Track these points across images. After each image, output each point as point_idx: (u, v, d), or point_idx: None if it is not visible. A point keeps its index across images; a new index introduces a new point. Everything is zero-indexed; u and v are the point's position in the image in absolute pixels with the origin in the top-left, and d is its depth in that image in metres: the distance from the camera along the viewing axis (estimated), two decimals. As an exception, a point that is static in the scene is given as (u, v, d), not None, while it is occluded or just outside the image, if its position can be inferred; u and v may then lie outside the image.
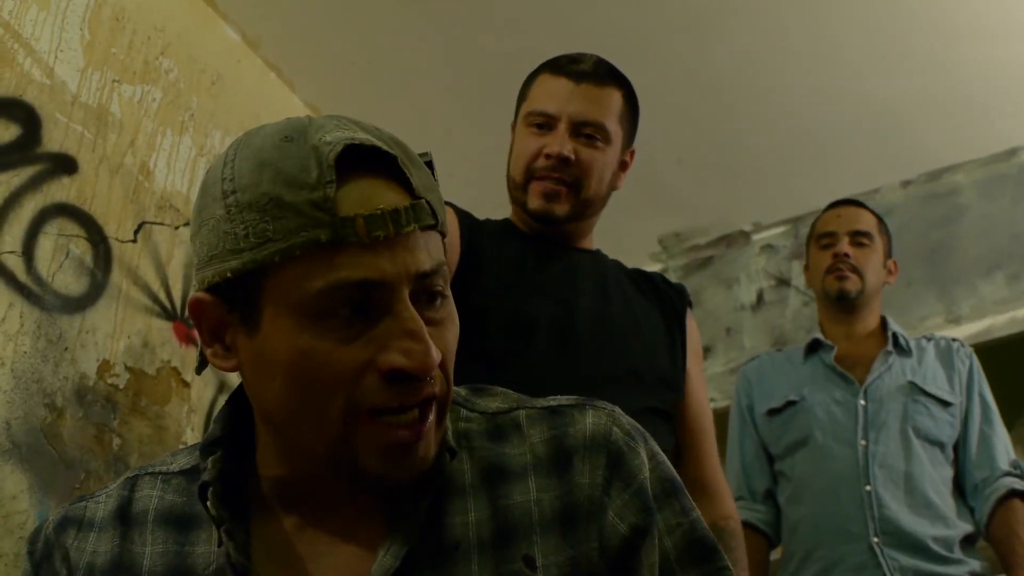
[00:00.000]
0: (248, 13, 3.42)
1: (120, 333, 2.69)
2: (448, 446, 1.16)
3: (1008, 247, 4.10)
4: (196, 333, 1.15)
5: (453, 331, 1.13)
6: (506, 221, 2.37)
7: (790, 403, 3.11)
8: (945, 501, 2.92)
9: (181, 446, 2.78)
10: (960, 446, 3.03)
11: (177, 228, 2.97)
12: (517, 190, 2.27)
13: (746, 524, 3.03)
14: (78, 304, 2.59)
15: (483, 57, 3.61)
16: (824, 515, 2.92)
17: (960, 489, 3.02)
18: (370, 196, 1.06)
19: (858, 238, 3.18)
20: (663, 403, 2.21)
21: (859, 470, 2.91)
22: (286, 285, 1.04)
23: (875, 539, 2.83)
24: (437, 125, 3.85)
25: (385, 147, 1.09)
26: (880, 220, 3.28)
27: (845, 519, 2.89)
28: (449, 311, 1.13)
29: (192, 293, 1.10)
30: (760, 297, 4.51)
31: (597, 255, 2.38)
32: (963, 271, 4.15)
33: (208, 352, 1.13)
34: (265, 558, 1.14)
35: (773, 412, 3.14)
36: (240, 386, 1.21)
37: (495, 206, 4.33)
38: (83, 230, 2.65)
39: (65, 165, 2.64)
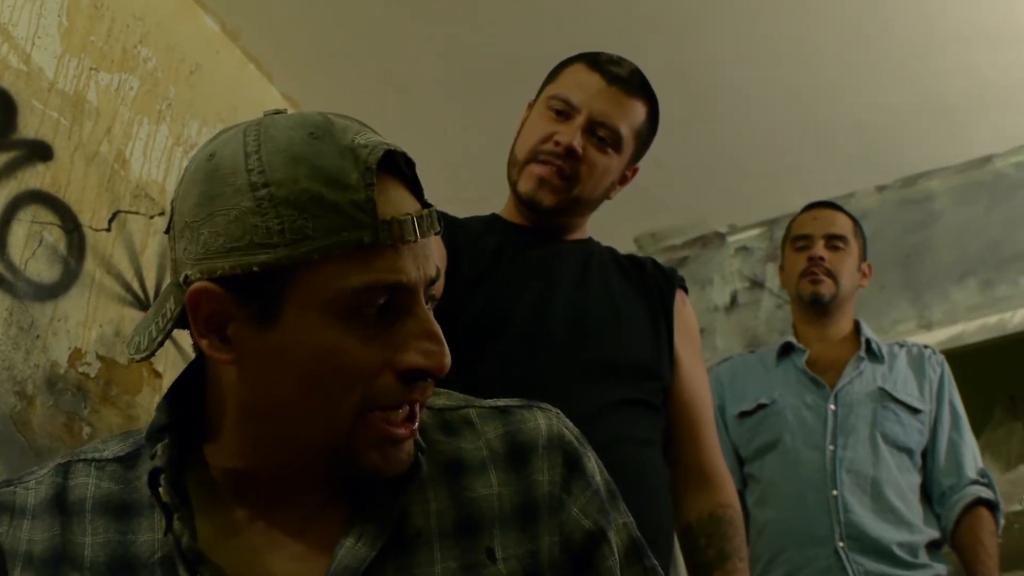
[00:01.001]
0: (228, 3, 3.41)
1: (92, 322, 2.68)
2: (416, 441, 1.17)
3: (981, 254, 4.12)
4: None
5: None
6: (492, 216, 2.36)
7: (761, 406, 3.12)
8: (911, 507, 2.94)
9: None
10: (928, 453, 3.05)
11: (152, 217, 2.96)
12: (515, 168, 2.25)
13: None
14: (51, 292, 2.58)
15: (462, 51, 3.61)
16: (791, 519, 2.94)
17: (927, 496, 3.03)
18: (397, 202, 1.09)
19: (833, 241, 3.19)
20: (642, 393, 2.17)
21: (826, 475, 2.93)
22: (319, 283, 1.05)
23: (840, 543, 2.85)
24: (415, 119, 3.85)
25: (404, 152, 1.13)
26: (856, 223, 3.29)
27: (811, 523, 2.90)
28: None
29: (195, 282, 1.08)
30: (734, 299, 4.53)
31: (585, 244, 2.35)
32: (936, 277, 4.18)
33: (203, 343, 1.12)
34: (214, 547, 1.13)
35: (744, 415, 3.15)
36: (183, 375, 1.21)
37: (473, 201, 4.33)
38: (57, 218, 2.64)
39: (40, 152, 2.62)
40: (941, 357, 3.21)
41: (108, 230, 2.79)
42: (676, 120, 3.97)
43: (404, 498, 1.15)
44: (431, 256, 1.13)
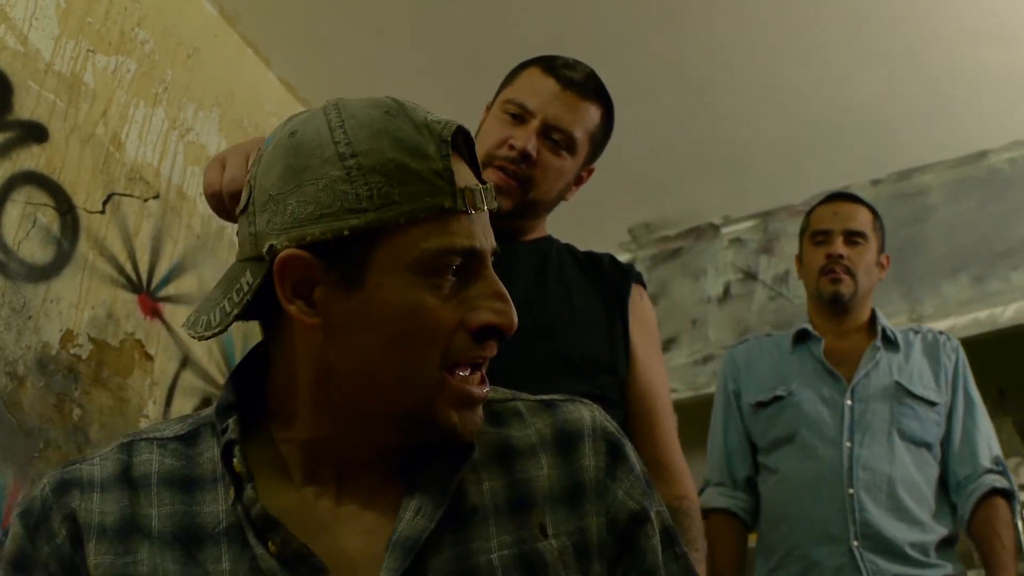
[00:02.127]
0: (226, -13, 3.42)
1: (84, 304, 2.69)
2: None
3: (974, 249, 4.13)
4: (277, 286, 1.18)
5: None
6: None
7: (777, 398, 3.11)
8: (924, 505, 2.93)
9: (142, 419, 2.78)
10: (945, 442, 3.03)
11: (146, 200, 2.96)
12: None
13: (726, 511, 3.10)
14: (43, 273, 2.59)
15: (459, 38, 3.62)
16: (806, 516, 2.94)
17: (944, 485, 3.03)
18: (465, 175, 1.19)
19: (853, 238, 3.15)
20: (597, 387, 2.19)
21: (843, 472, 2.92)
22: (403, 245, 1.14)
23: (855, 543, 2.85)
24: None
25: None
26: (875, 215, 3.24)
27: (827, 521, 2.90)
28: None
29: (282, 250, 1.15)
30: (727, 290, 4.54)
31: (543, 242, 2.37)
32: (928, 271, 4.19)
33: (292, 308, 1.17)
34: (281, 519, 1.17)
35: (760, 405, 3.14)
36: (246, 358, 1.28)
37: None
38: (51, 199, 2.64)
39: (35, 133, 2.63)
40: (956, 343, 3.19)
41: (102, 212, 2.80)
42: (672, 112, 3.99)
43: (459, 475, 1.20)
44: (489, 227, 1.22)
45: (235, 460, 1.18)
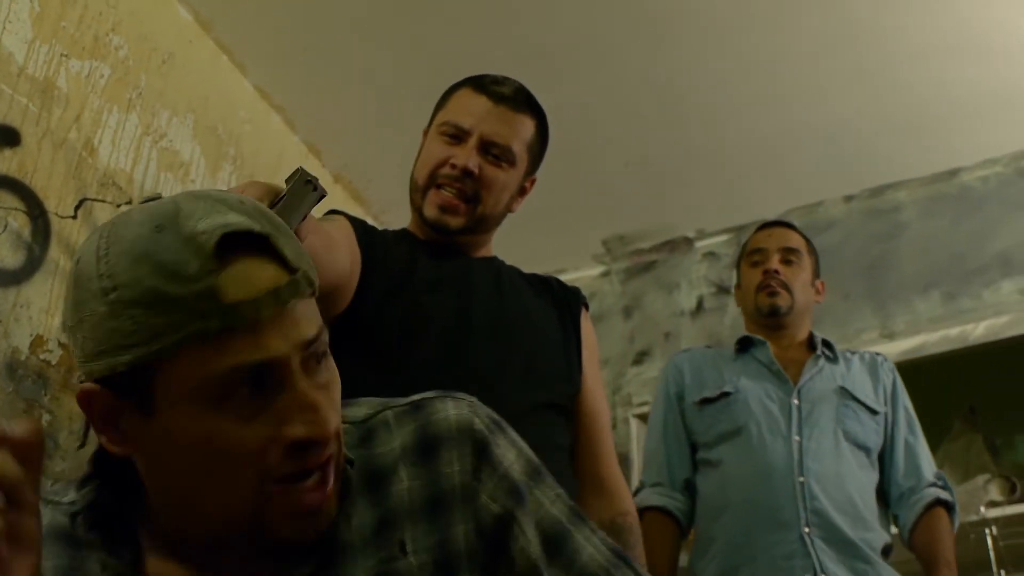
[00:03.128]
0: (202, -6, 3.41)
1: (55, 309, 2.67)
2: (347, 458, 1.21)
3: (945, 266, 4.15)
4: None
5: (338, 388, 1.18)
6: (402, 230, 2.43)
7: (724, 394, 3.14)
8: (869, 505, 2.98)
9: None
10: (886, 455, 3.09)
11: (119, 206, 2.95)
12: (417, 193, 2.34)
13: (663, 509, 3.10)
14: (13, 278, 2.57)
15: (434, 46, 3.62)
16: (756, 502, 2.95)
17: (884, 497, 3.07)
18: (250, 277, 1.09)
19: (788, 255, 3.26)
20: (559, 398, 2.28)
21: (793, 462, 2.95)
22: (181, 374, 1.07)
23: (806, 529, 2.87)
24: (386, 113, 3.85)
25: (258, 227, 1.11)
26: (808, 241, 3.36)
27: (777, 508, 2.92)
28: (331, 367, 1.18)
29: (80, 385, 1.13)
30: (700, 304, 4.55)
31: (492, 260, 2.45)
32: (900, 287, 4.21)
33: (102, 439, 1.15)
34: None
35: (706, 401, 3.16)
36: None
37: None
38: (23, 204, 2.63)
39: (8, 137, 2.62)
40: (892, 364, 3.28)
41: (74, 217, 2.78)
42: (647, 125, 4.00)
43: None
44: (303, 319, 1.12)
45: (86, 528, 1.18)
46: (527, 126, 2.36)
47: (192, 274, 1.06)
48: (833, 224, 4.19)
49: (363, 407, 1.30)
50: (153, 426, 1.10)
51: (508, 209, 2.40)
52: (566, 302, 2.45)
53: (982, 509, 3.74)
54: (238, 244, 1.09)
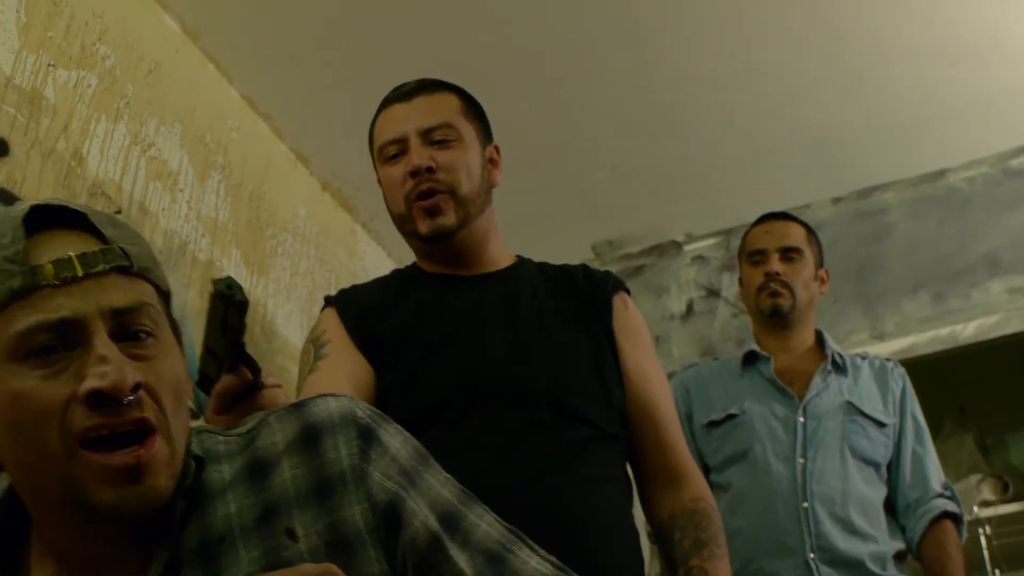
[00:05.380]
0: (188, 2, 3.40)
1: (45, 320, 2.66)
2: (194, 455, 1.23)
3: (933, 267, 4.17)
4: None
5: (167, 365, 1.20)
6: (407, 271, 2.37)
7: (730, 416, 3.12)
8: (875, 521, 2.95)
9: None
10: (893, 466, 3.07)
11: (108, 216, 2.94)
12: (404, 223, 2.26)
13: None
14: (3, 289, 2.56)
15: (421, 55, 3.61)
16: (762, 528, 2.94)
17: (892, 508, 3.06)
18: (60, 246, 1.16)
19: (788, 254, 3.20)
20: (597, 428, 2.15)
21: (797, 487, 2.94)
22: None
23: (811, 555, 2.86)
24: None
25: (73, 207, 1.20)
26: (809, 231, 3.28)
27: (782, 533, 2.91)
28: (162, 349, 1.21)
29: None
30: (690, 307, 4.55)
31: (509, 272, 2.34)
32: (889, 289, 4.22)
33: None
34: None
35: (712, 424, 3.14)
36: None
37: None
38: (11, 214, 2.62)
39: (-4, 148, 2.61)
40: (902, 370, 3.22)
41: (63, 228, 2.77)
42: (635, 129, 4.00)
43: (200, 513, 1.20)
44: (114, 289, 1.17)
45: None
46: (449, 100, 2.31)
47: (5, 243, 1.14)
48: (821, 226, 4.18)
49: (250, 421, 1.32)
50: None
51: (488, 184, 2.31)
52: (592, 301, 2.30)
53: (975, 509, 3.74)
54: (55, 220, 1.19)
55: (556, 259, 2.46)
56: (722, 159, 4.16)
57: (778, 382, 3.12)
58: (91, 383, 1.11)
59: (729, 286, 4.45)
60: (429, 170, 2.19)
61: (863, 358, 3.25)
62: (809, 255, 3.24)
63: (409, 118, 2.25)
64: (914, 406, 3.15)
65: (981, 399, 4.68)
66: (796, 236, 3.24)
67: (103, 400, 1.12)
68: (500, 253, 2.35)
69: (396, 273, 2.39)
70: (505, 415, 2.08)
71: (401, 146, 2.24)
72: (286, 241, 3.88)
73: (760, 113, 3.94)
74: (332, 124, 3.92)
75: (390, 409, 2.06)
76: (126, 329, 1.16)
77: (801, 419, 3.04)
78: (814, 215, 4.38)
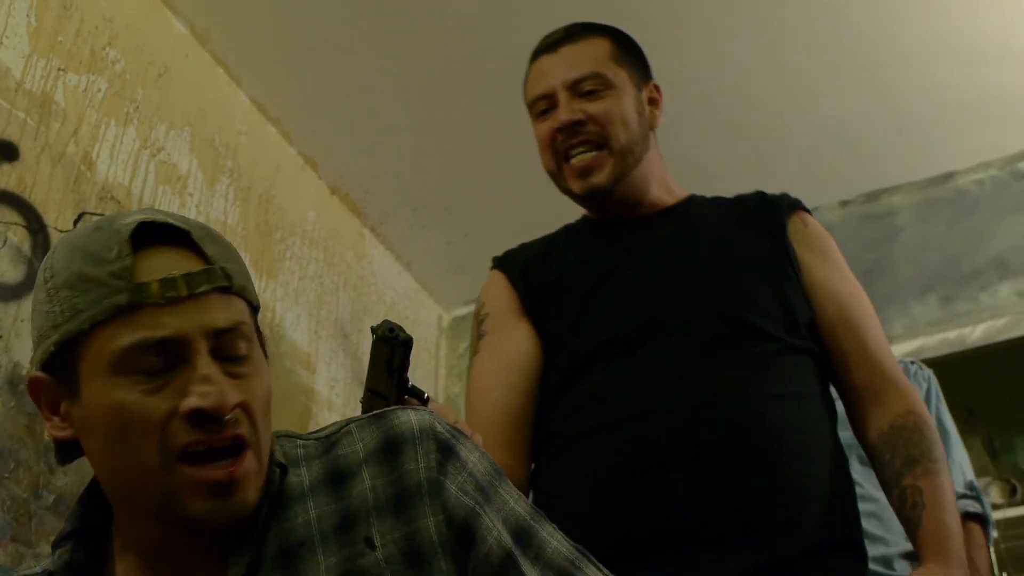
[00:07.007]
0: (197, 6, 3.41)
1: (56, 323, 2.67)
2: (277, 462, 1.27)
3: (941, 270, 4.16)
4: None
5: (260, 382, 1.25)
6: (578, 223, 2.32)
7: None
8: (886, 522, 2.94)
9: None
10: None
11: (117, 220, 2.95)
12: (558, 179, 2.20)
13: None
14: (14, 292, 2.57)
15: (430, 56, 3.62)
16: None
17: None
18: (165, 264, 1.21)
19: None
20: (784, 334, 2.05)
21: None
22: (97, 348, 1.17)
23: None
24: (382, 125, 3.86)
25: (178, 224, 1.23)
26: None
27: None
28: (255, 367, 1.25)
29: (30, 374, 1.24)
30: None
31: (676, 208, 2.28)
32: (897, 291, 4.21)
33: (48, 426, 1.26)
34: None
35: None
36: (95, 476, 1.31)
37: (437, 207, 4.33)
38: (22, 218, 2.63)
39: (6, 152, 2.62)
40: (929, 372, 3.19)
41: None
42: (643, 131, 4.00)
43: (280, 517, 1.24)
44: (216, 310, 1.21)
45: None
46: (598, 45, 2.22)
47: (111, 257, 1.18)
48: (829, 229, 4.07)
49: (328, 428, 1.36)
50: (81, 407, 1.20)
51: (649, 127, 2.24)
52: (766, 223, 2.22)
53: (983, 511, 3.73)
54: (159, 237, 1.22)
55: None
56: (727, 162, 4.15)
57: None
58: (194, 401, 1.16)
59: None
60: (579, 123, 2.13)
61: None
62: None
63: (555, 71, 2.19)
64: (940, 408, 3.13)
65: (989, 402, 4.67)
66: None
67: (204, 418, 1.17)
68: (667, 192, 2.30)
69: (564, 227, 2.34)
70: (676, 341, 2.02)
71: (550, 101, 2.18)
72: (295, 245, 3.89)
73: (766, 115, 3.93)
74: (341, 128, 3.92)
75: (557, 354, 2.07)
76: (224, 348, 1.21)
77: None
78: (822, 218, 4.34)
